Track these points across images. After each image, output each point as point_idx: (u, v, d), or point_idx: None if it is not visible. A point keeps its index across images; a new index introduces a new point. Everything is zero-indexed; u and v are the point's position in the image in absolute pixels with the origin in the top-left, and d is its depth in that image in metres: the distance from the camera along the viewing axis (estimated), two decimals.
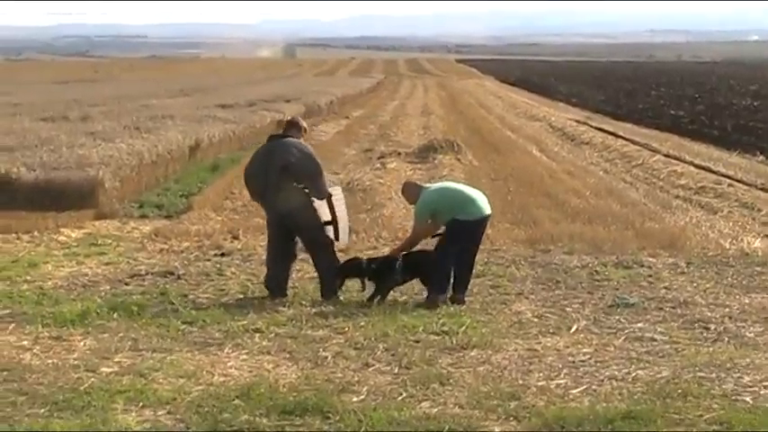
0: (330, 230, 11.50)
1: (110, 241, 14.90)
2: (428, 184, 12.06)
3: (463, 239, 11.09)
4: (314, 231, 11.40)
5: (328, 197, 11.45)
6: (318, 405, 7.51)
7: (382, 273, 11.18)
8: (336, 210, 11.53)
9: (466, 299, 11.05)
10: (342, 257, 11.75)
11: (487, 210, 11.28)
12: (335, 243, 11.58)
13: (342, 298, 11.34)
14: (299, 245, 11.70)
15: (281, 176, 11.19)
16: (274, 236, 11.59)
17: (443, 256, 11.03)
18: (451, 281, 11.05)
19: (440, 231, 11.28)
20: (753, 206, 18.87)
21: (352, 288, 11.51)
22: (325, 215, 11.47)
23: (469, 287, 11.28)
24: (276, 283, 11.36)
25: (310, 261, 11.89)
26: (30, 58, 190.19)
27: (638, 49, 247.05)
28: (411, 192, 11.68)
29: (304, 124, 11.89)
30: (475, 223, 11.14)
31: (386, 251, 12.43)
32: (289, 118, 12.32)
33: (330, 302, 10.99)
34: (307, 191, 11.30)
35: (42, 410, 7.50)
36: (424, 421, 7.27)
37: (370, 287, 11.26)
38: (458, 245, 11.04)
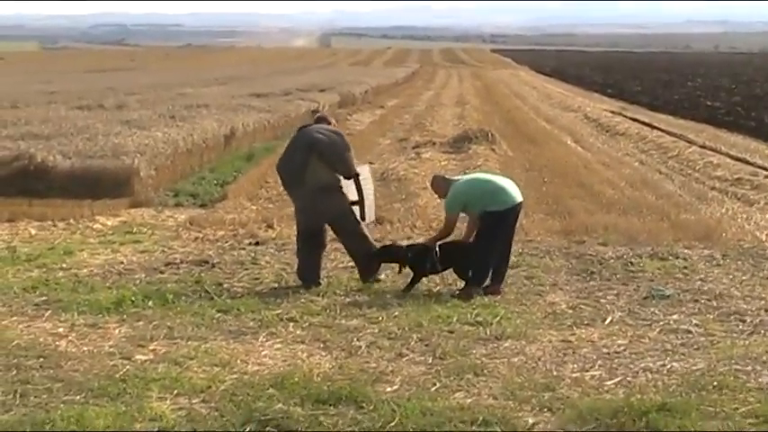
0: (356, 209, 11.49)
1: (145, 229, 14.98)
2: (456, 177, 12.00)
3: (498, 229, 11.03)
4: (342, 218, 11.40)
5: (356, 176, 11.46)
6: (352, 394, 7.51)
7: (419, 260, 11.18)
8: (364, 189, 11.53)
9: (501, 289, 11.03)
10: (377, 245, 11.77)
11: (518, 197, 11.21)
12: (361, 223, 11.58)
13: (382, 276, 11.41)
14: (329, 233, 11.70)
15: (308, 155, 11.17)
16: (303, 225, 11.59)
17: (481, 248, 10.96)
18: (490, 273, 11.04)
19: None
20: None
21: (386, 278, 11.52)
22: (352, 195, 11.48)
23: (504, 278, 11.26)
24: (308, 273, 11.36)
25: (343, 249, 11.89)
26: (66, 47, 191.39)
27: (675, 40, 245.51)
28: (440, 186, 11.58)
29: (332, 120, 11.97)
30: (507, 212, 11.07)
31: (420, 241, 12.39)
32: (318, 114, 12.36)
33: (364, 292, 11.00)
34: (335, 173, 11.29)
35: (78, 397, 7.54)
36: (458, 412, 7.24)
37: (402, 276, 11.26)
38: (493, 236, 10.99)
